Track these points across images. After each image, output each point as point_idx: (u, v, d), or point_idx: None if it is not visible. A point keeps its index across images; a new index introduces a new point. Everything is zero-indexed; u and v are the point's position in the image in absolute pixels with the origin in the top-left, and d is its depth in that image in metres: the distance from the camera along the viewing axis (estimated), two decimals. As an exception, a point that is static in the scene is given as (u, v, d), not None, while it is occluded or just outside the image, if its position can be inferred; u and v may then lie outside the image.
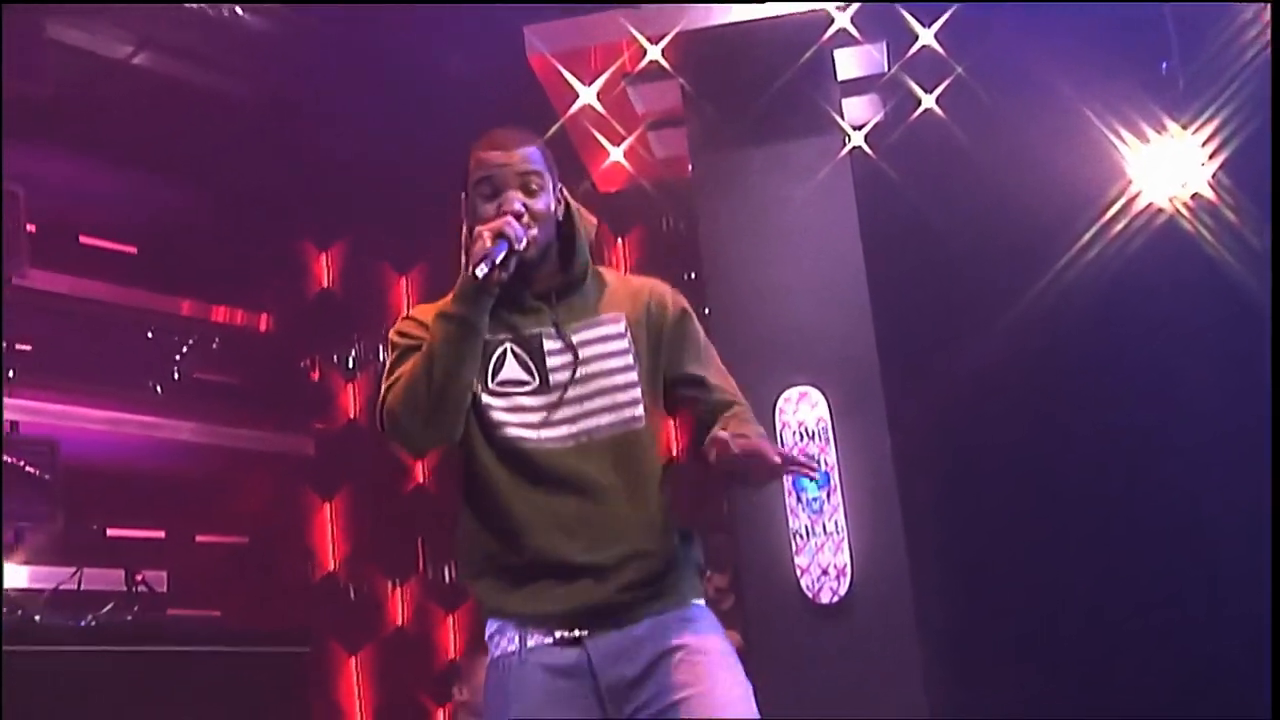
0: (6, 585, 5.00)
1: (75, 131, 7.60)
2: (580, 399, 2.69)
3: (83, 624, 4.75)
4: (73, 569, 5.30)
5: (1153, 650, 6.32)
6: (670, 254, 7.86)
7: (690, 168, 6.74)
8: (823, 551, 6.25)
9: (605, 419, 2.69)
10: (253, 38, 7.97)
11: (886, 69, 6.54)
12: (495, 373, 2.70)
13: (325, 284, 9.19)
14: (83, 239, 8.09)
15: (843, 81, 6.57)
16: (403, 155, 8.42)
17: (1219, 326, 6.37)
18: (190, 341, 8.29)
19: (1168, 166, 6.46)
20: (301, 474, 8.89)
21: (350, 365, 9.05)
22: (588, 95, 6.60)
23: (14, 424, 7.11)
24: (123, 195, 8.16)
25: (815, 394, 6.33)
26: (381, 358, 8.95)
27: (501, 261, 2.62)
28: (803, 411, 6.36)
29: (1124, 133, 6.44)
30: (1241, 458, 6.06)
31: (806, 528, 6.30)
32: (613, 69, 6.54)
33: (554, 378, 2.69)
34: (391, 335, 2.80)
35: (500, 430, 2.66)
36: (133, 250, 8.30)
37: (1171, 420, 6.45)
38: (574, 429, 2.68)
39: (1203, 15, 6.18)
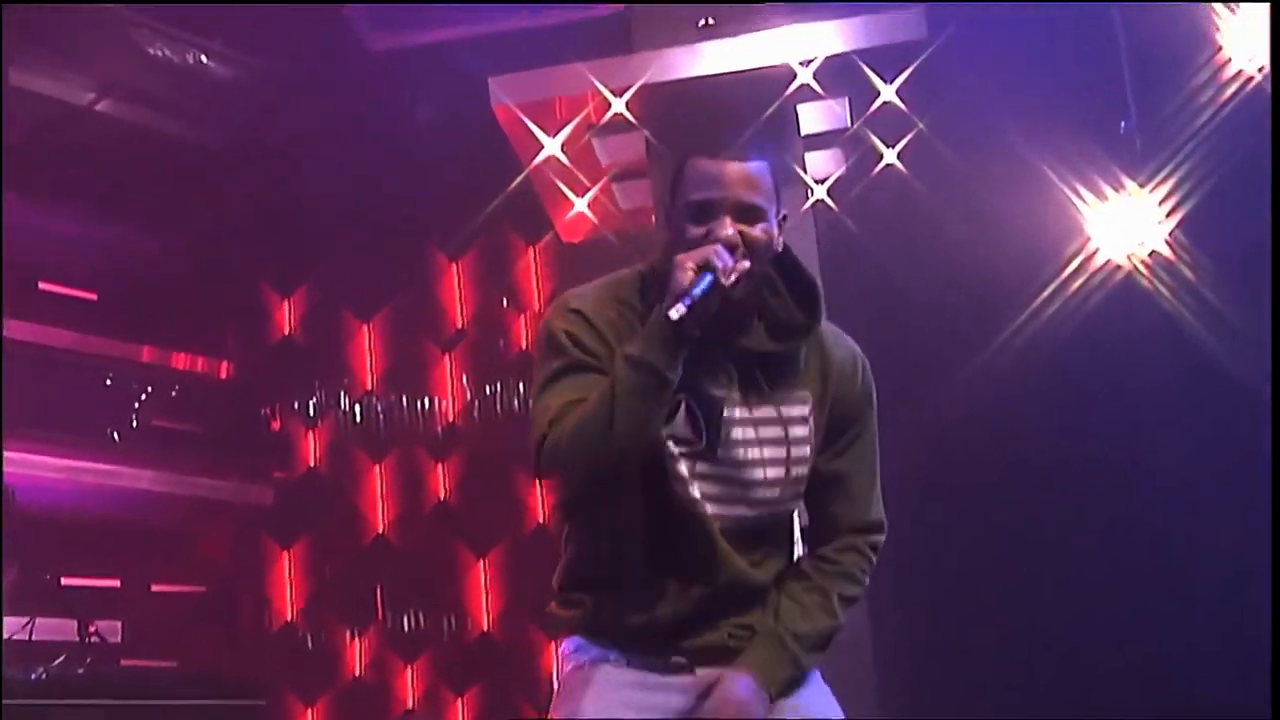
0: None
1: (36, 177, 7.57)
2: (743, 483, 2.46)
3: (34, 676, 4.69)
4: (24, 619, 5.23)
5: (1130, 691, 6.33)
6: (634, 305, 7.87)
7: (653, 219, 6.76)
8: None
9: (760, 510, 2.49)
10: (218, 84, 7.97)
11: (849, 124, 6.59)
12: (668, 420, 2.42)
13: (286, 331, 9.15)
14: (42, 285, 8.04)
15: (806, 136, 6.62)
16: (367, 202, 8.43)
17: (1178, 380, 6.43)
18: (149, 389, 8.24)
19: (1126, 224, 6.52)
20: (260, 523, 8.82)
21: (311, 413, 9.01)
22: (552, 146, 6.62)
23: (-6, 478, 7.06)
24: (83, 241, 8.13)
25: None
26: (343, 404, 8.93)
27: (702, 297, 2.28)
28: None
29: (1083, 190, 6.51)
30: (1205, 502, 6.13)
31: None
32: (577, 120, 6.56)
33: (722, 452, 2.44)
34: (554, 332, 2.45)
35: (679, 484, 2.43)
36: (93, 296, 8.26)
37: (1134, 472, 6.49)
38: (724, 510, 2.46)
39: (1160, 76, 6.27)
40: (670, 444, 2.40)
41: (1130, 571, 6.48)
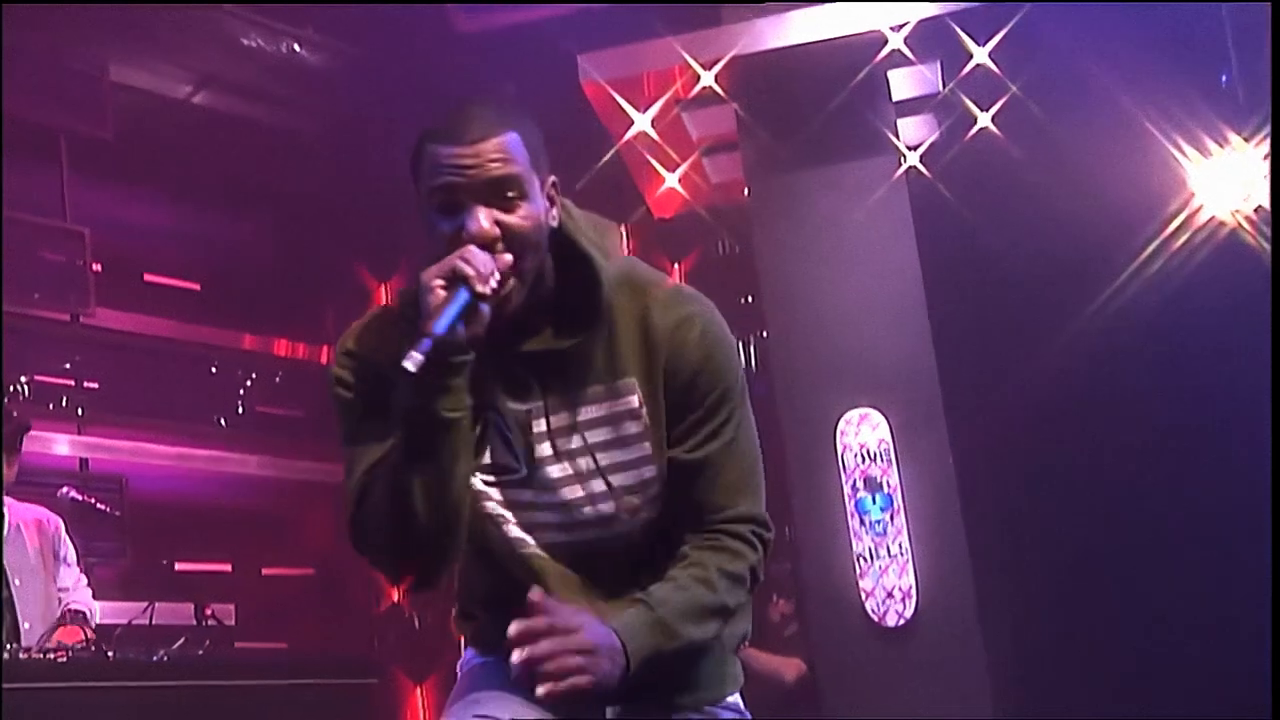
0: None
1: (138, 171, 7.72)
2: (583, 501, 2.02)
3: (154, 659, 4.79)
4: (144, 604, 5.35)
5: (1222, 662, 6.22)
6: (727, 278, 7.87)
7: (746, 191, 6.75)
8: (887, 574, 6.22)
9: (617, 528, 2.04)
10: (311, 72, 8.07)
11: (941, 89, 6.53)
12: (479, 451, 2.01)
13: (385, 314, 9.24)
14: (147, 277, 8.20)
15: (897, 102, 6.57)
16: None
17: (1281, 337, 6.30)
18: (254, 375, 8.37)
19: (1230, 179, 6.39)
20: (365, 504, 8.94)
21: (411, 395, 9.09)
22: (642, 122, 6.63)
23: (83, 461, 7.21)
24: (185, 232, 8.27)
25: (876, 415, 6.32)
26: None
27: (458, 319, 1.86)
28: (864, 433, 6.34)
29: (1185, 146, 6.38)
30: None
31: (870, 550, 6.27)
32: (667, 95, 6.56)
33: (547, 474, 2.02)
34: (331, 384, 2.09)
35: (498, 528, 2.04)
36: (196, 287, 8.41)
37: (1234, 434, 6.37)
38: (575, 537, 2.04)
39: (1260, 27, 6.12)
40: (479, 483, 2.01)
41: (1228, 537, 6.37)
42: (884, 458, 6.34)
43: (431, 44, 7.59)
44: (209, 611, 5.52)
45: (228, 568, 8.15)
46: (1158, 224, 6.44)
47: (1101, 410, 6.60)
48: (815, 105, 6.32)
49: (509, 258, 1.92)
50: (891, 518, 6.32)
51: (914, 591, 6.17)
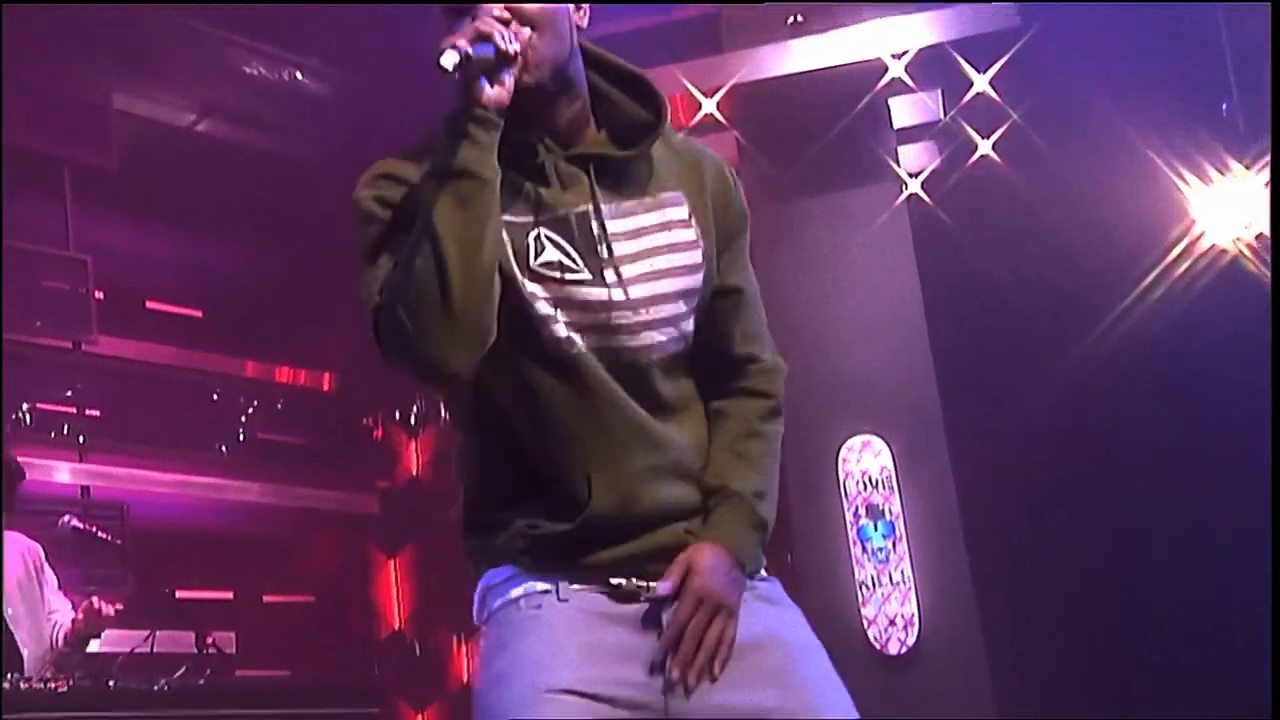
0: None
1: (140, 199, 7.73)
2: (641, 304, 1.99)
3: (156, 688, 4.78)
4: (145, 632, 5.34)
5: (1227, 685, 6.20)
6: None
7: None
8: (890, 601, 6.22)
9: (668, 333, 2.02)
10: (314, 100, 8.09)
11: (942, 116, 6.56)
12: (534, 255, 1.97)
13: (386, 341, 9.24)
14: (149, 304, 8.20)
15: (898, 129, 6.61)
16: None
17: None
18: (255, 402, 8.37)
19: (1231, 207, 6.40)
20: (366, 532, 8.93)
21: (413, 422, 9.10)
22: (644, 150, 6.63)
23: (84, 488, 7.20)
24: (187, 260, 8.28)
25: (878, 443, 6.33)
26: (444, 412, 9.02)
27: (482, 61, 1.85)
28: (866, 460, 6.35)
29: (1185, 173, 6.40)
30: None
31: (873, 578, 6.27)
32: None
33: (608, 273, 1.98)
34: (362, 200, 2.02)
35: (546, 328, 1.97)
36: (198, 314, 8.41)
37: (1236, 461, 6.36)
38: (636, 341, 2.00)
39: (1260, 54, 6.14)
40: (527, 283, 1.95)
41: (1230, 560, 6.35)
42: (886, 484, 6.35)
43: (434, 72, 7.61)
44: (210, 640, 5.50)
45: (229, 595, 8.13)
46: (1159, 251, 6.45)
47: (1103, 437, 6.60)
48: (816, 133, 6.36)
49: (527, 32, 1.92)
50: (894, 545, 6.32)
51: (916, 619, 6.17)
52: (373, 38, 7.49)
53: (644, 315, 2.00)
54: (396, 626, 8.87)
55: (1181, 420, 6.49)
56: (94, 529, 5.63)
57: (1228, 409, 6.36)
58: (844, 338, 6.43)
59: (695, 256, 2.03)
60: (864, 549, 6.34)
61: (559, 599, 1.97)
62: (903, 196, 6.49)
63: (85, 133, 7.37)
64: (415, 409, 9.09)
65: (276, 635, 8.09)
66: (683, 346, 2.05)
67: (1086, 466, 6.61)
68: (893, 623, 6.24)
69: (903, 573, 6.26)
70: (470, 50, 1.84)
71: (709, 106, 6.42)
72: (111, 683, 4.73)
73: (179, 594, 7.49)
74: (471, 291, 1.85)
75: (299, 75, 7.81)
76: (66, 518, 5.59)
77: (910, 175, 6.58)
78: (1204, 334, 6.35)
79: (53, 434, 7.17)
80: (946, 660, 6.11)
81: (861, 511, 6.38)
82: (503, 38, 1.87)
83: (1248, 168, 6.34)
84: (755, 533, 2.03)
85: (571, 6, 2.01)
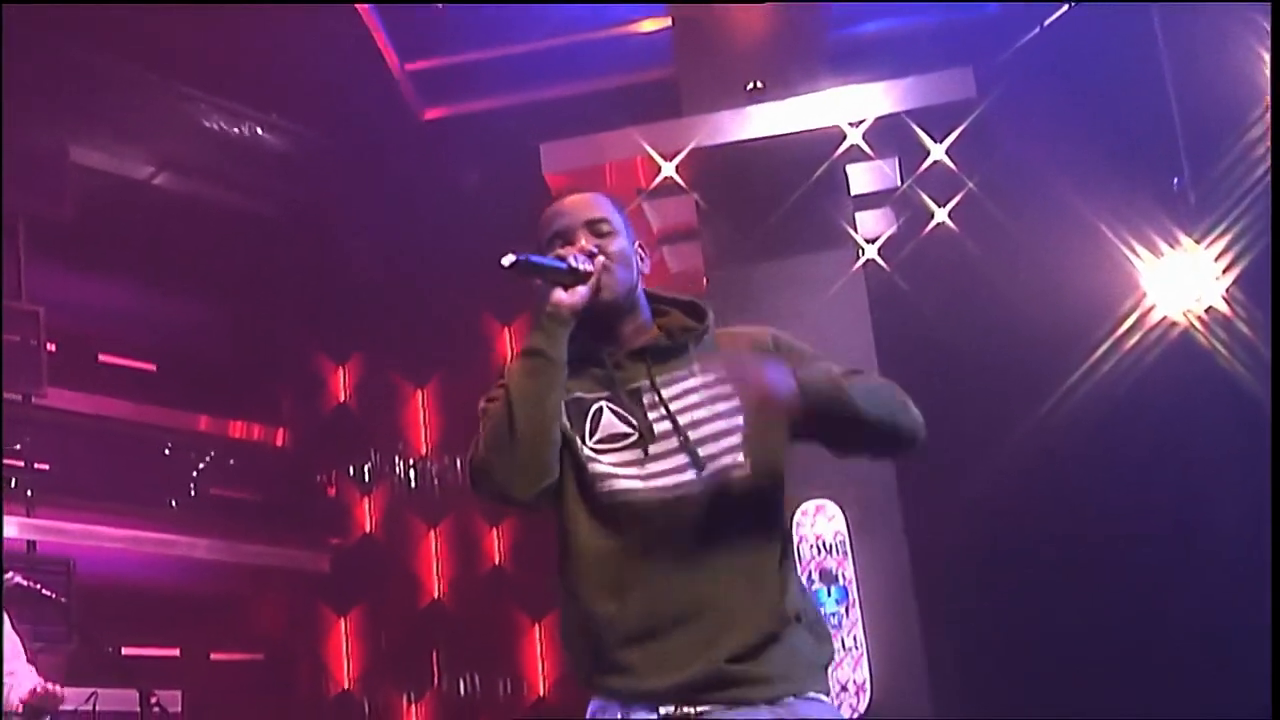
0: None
1: (95, 251, 7.68)
2: (679, 450, 2.46)
3: (97, 749, 4.71)
4: (88, 691, 5.25)
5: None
6: (685, 367, 7.87)
7: (705, 282, 6.78)
8: (841, 667, 6.19)
9: (704, 470, 2.45)
10: (272, 155, 8.09)
11: (899, 183, 6.61)
12: (593, 431, 2.50)
13: (341, 398, 9.21)
14: (102, 357, 8.13)
15: (856, 196, 6.64)
16: (419, 270, 8.50)
17: (1232, 437, 6.35)
18: (208, 457, 8.30)
19: (1181, 280, 6.47)
20: (317, 590, 8.85)
21: (366, 479, 9.04)
22: (603, 211, 6.65)
23: (31, 543, 7.10)
24: (142, 313, 8.23)
25: (832, 507, 6.31)
26: (398, 470, 8.98)
27: (555, 275, 2.44)
28: (820, 525, 6.33)
29: (1137, 247, 6.47)
30: (1257, 565, 6.00)
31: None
32: (628, 185, 6.60)
33: (658, 428, 2.48)
34: (481, 404, 2.56)
35: (604, 483, 2.46)
36: (152, 368, 8.35)
37: (1192, 532, 6.40)
38: (677, 480, 2.44)
39: (1212, 131, 6.24)
40: (588, 450, 2.49)
41: (1190, 632, 6.38)
42: (839, 549, 6.33)
43: (394, 130, 7.62)
44: (155, 699, 5.42)
45: (175, 653, 8.02)
46: (1111, 322, 6.51)
47: (1055, 505, 6.62)
48: (774, 198, 6.38)
49: (602, 259, 2.51)
50: (846, 610, 6.30)
51: (868, 685, 6.13)
52: (333, 96, 7.51)
53: (679, 460, 2.47)
54: (346, 686, 8.78)
55: (1130, 486, 6.53)
56: (38, 585, 5.55)
57: (1178, 480, 6.40)
58: (799, 402, 6.43)
59: (735, 420, 2.48)
60: (817, 613, 6.33)
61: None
62: (859, 263, 6.52)
63: (40, 184, 7.32)
64: (369, 466, 9.04)
65: (224, 694, 7.98)
66: (722, 482, 2.46)
67: (1039, 535, 6.63)
68: (844, 688, 6.21)
69: (855, 638, 6.23)
70: (530, 258, 2.45)
71: (668, 170, 6.45)
72: (52, 743, 4.65)
73: (125, 651, 7.38)
74: (531, 437, 2.40)
75: (259, 130, 7.80)
76: (10, 575, 5.51)
77: (867, 241, 6.62)
78: (1155, 406, 6.40)
79: None
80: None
81: (815, 576, 6.37)
82: (575, 259, 2.47)
83: (1198, 242, 6.42)
84: (820, 378, 2.45)
85: (635, 251, 2.61)
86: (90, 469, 7.62)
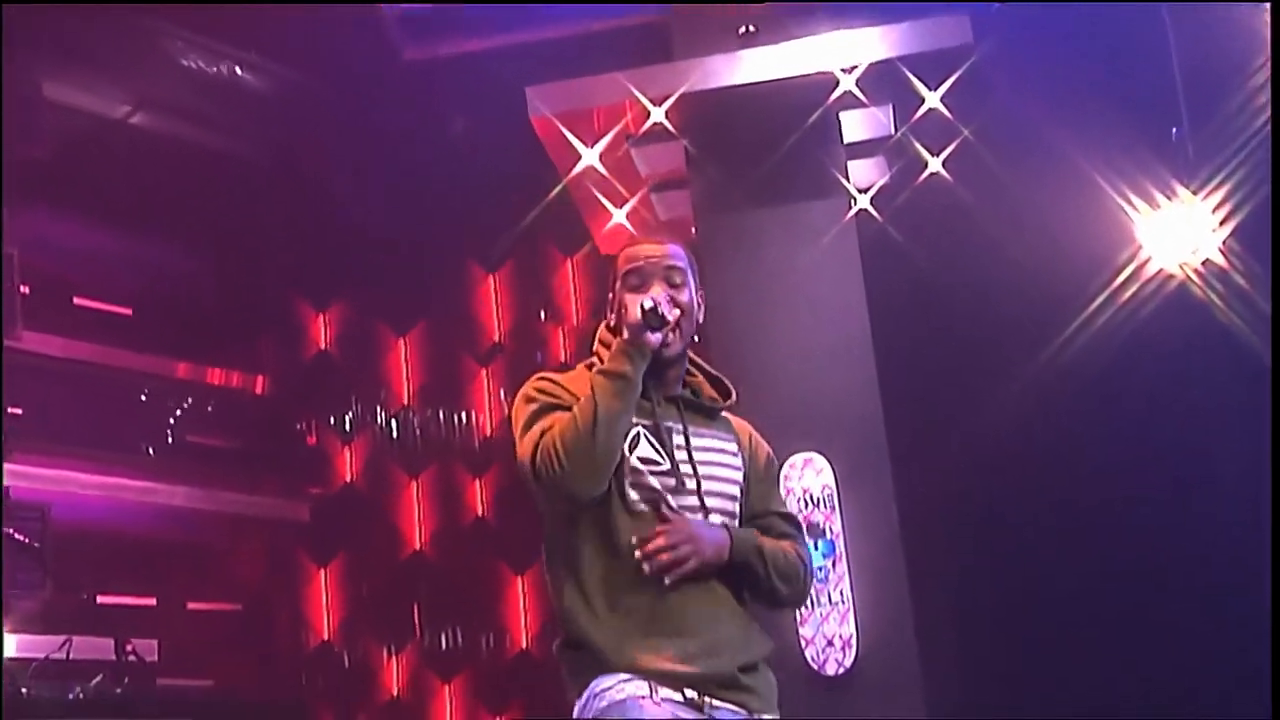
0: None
1: (70, 192, 7.55)
2: (693, 493, 2.93)
3: (71, 696, 4.62)
4: (62, 638, 5.17)
5: (1177, 705, 6.19)
6: (672, 317, 7.79)
7: (694, 230, 6.68)
8: (828, 622, 6.15)
9: (710, 512, 2.94)
10: (252, 96, 7.94)
11: (893, 131, 6.50)
12: (631, 450, 2.92)
13: (323, 346, 9.10)
14: (76, 300, 8.01)
15: (848, 144, 6.53)
16: (402, 214, 8.38)
17: (1229, 390, 6.30)
18: (185, 404, 8.19)
19: (1178, 232, 6.39)
20: (296, 540, 8.77)
21: (347, 428, 8.95)
22: (590, 157, 6.55)
23: (5, 489, 6.99)
24: (118, 256, 8.10)
25: (820, 460, 6.24)
26: (379, 419, 8.89)
27: (655, 319, 2.87)
28: (808, 478, 6.26)
29: (1134, 198, 6.39)
30: (1256, 523, 5.96)
31: (811, 597, 6.18)
32: (616, 130, 6.49)
33: (683, 467, 2.93)
34: (529, 391, 3.00)
35: (649, 494, 2.90)
36: (128, 312, 8.23)
37: (1189, 484, 6.37)
38: (695, 516, 2.92)
39: (1211, 82, 6.15)
40: (636, 461, 2.91)
41: (1177, 585, 6.35)
42: (827, 503, 6.26)
43: (378, 72, 7.47)
44: (130, 647, 5.35)
45: (152, 602, 7.95)
46: (1107, 274, 6.44)
47: (1047, 458, 6.58)
48: (766, 145, 6.27)
49: (678, 312, 2.95)
50: (834, 564, 6.24)
51: (854, 640, 6.09)
52: (312, 34, 7.35)
53: (693, 498, 2.93)
54: (325, 637, 8.72)
55: (1126, 442, 6.49)
56: (12, 531, 5.46)
57: (1175, 434, 6.35)
58: (788, 353, 6.34)
59: (736, 475, 3.04)
60: (803, 567, 6.27)
61: (655, 702, 2.79)
62: (852, 212, 6.42)
63: (13, 122, 7.17)
64: (350, 415, 8.95)
65: (200, 644, 7.93)
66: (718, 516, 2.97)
67: (1029, 488, 6.59)
68: (830, 643, 6.16)
69: (842, 593, 6.18)
70: (654, 306, 2.90)
71: (657, 115, 6.33)
72: (25, 690, 4.56)
73: (100, 599, 7.31)
74: (610, 451, 2.84)
75: (238, 70, 7.64)
76: (-17, 519, 5.42)
77: (859, 190, 6.51)
78: (1150, 357, 6.34)
79: (-28, 433, 6.96)
80: (884, 682, 6.03)
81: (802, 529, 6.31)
82: (664, 308, 2.90)
83: (1195, 193, 6.34)
84: (753, 548, 2.95)
85: (699, 300, 3.04)
86: (65, 414, 7.53)
